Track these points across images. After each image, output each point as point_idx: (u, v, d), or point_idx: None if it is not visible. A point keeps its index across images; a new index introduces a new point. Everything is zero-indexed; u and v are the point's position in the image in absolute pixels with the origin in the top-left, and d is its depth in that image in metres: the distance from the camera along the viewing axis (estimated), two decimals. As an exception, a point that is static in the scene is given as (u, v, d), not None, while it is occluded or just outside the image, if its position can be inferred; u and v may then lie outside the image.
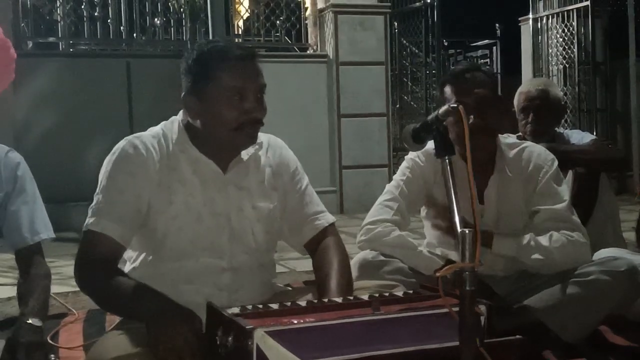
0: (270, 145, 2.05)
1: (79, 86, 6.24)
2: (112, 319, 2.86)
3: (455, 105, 1.42)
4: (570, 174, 3.00)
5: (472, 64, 2.74)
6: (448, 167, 1.43)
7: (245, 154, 1.96)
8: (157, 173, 1.86)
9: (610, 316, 2.45)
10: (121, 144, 1.89)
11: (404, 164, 2.51)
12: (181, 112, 1.97)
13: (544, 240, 2.32)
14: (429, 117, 1.56)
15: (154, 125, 1.99)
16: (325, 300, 1.68)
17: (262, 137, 2.03)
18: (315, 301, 1.67)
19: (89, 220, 1.81)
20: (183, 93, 1.90)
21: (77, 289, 3.28)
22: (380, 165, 7.08)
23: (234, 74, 1.84)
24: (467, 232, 1.31)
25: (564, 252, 2.31)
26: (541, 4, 8.57)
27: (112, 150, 1.89)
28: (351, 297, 1.68)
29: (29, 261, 1.92)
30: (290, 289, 2.29)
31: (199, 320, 1.60)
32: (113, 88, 6.39)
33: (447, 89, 2.40)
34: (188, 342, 1.54)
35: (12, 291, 3.66)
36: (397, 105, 8.78)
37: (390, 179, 7.67)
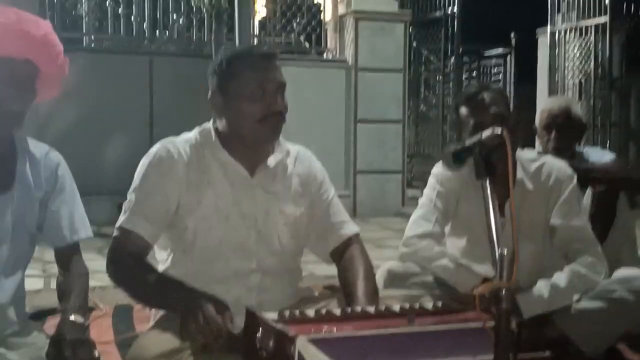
0: (299, 156, 2.13)
1: (101, 81, 6.30)
2: (139, 315, 2.93)
3: (500, 131, 1.49)
4: (588, 192, 3.03)
5: (482, 84, 2.79)
6: (488, 188, 1.50)
7: (272, 160, 2.04)
8: (186, 175, 1.96)
9: (628, 334, 2.51)
10: (155, 147, 2.01)
11: (432, 179, 2.57)
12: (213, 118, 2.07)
13: (561, 281, 2.38)
14: (471, 141, 1.63)
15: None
16: (359, 309, 1.74)
17: (291, 147, 2.13)
18: (349, 310, 1.73)
19: (122, 217, 1.94)
20: (209, 93, 2.01)
21: (104, 284, 3.39)
22: (394, 171, 7.12)
23: (256, 70, 1.95)
24: (505, 251, 1.37)
25: (577, 289, 2.41)
26: (559, 17, 8.56)
27: (147, 153, 2.01)
28: (383, 307, 1.73)
29: (69, 259, 1.97)
30: (316, 294, 2.35)
31: (228, 307, 1.71)
32: (135, 84, 6.46)
33: (463, 110, 2.46)
34: (219, 326, 1.65)
35: (39, 283, 3.75)
36: (413, 112, 8.83)
37: (403, 185, 7.65)
